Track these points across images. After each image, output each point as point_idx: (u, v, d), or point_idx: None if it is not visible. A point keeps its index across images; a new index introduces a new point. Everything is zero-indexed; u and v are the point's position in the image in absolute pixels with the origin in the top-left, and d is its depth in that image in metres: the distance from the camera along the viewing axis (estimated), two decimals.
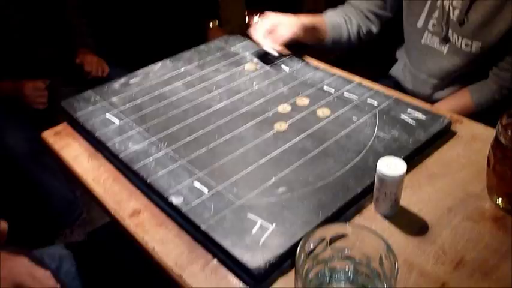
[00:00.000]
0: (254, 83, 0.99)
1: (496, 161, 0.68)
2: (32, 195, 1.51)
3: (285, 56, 1.08)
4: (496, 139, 0.67)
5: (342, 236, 0.54)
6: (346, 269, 0.55)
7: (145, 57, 1.17)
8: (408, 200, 0.72)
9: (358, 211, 0.71)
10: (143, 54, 1.29)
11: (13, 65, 1.48)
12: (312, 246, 0.52)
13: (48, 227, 1.60)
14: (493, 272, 0.61)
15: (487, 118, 0.85)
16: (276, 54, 1.06)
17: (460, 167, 0.78)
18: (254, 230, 0.65)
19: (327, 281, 0.54)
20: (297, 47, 1.11)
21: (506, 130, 0.65)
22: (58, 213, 1.58)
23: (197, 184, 0.73)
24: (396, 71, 1.28)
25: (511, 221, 0.68)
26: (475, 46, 1.04)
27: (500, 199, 0.69)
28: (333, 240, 0.53)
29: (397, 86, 1.25)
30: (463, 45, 1.05)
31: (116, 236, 1.00)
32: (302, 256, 0.50)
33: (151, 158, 0.79)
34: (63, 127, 0.95)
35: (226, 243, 0.64)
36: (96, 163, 0.84)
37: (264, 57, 1.08)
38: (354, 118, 0.86)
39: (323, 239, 0.53)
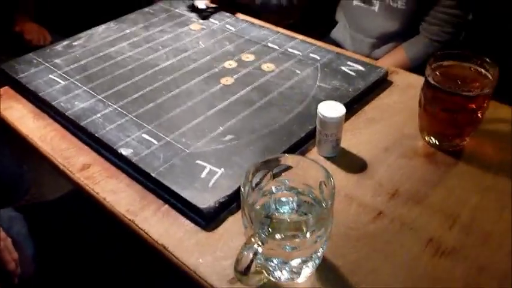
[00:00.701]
0: (200, 42, 1.00)
1: (426, 102, 0.73)
2: None
3: (214, 10, 1.12)
4: (426, 81, 0.72)
5: (285, 169, 0.57)
6: (291, 200, 0.58)
7: (87, 24, 1.15)
8: (348, 143, 0.76)
9: (303, 154, 0.74)
10: (85, 21, 1.26)
11: None
12: (257, 180, 0.55)
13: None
14: (424, 199, 0.66)
15: (423, 72, 0.91)
16: (204, 6, 1.10)
17: (396, 112, 0.83)
18: (203, 175, 0.68)
19: (273, 212, 0.58)
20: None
21: (434, 71, 0.71)
22: (3, 187, 1.53)
23: (146, 136, 0.75)
24: (336, 33, 1.33)
25: (440, 156, 0.74)
26: (401, 1, 1.10)
27: (431, 137, 0.75)
28: (277, 174, 0.57)
29: (338, 48, 1.30)
30: (390, 1, 1.12)
31: (69, 202, 1.00)
32: (247, 188, 0.53)
33: (98, 115, 0.80)
34: (4, 90, 0.93)
35: (177, 187, 0.66)
36: (42, 123, 0.83)
37: (209, 18, 1.09)
38: (297, 71, 0.90)
39: (267, 172, 0.56)
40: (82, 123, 0.77)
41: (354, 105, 0.83)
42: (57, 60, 0.95)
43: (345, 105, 0.76)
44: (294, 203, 0.58)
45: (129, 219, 0.65)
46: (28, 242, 0.79)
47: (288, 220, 0.55)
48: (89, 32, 1.06)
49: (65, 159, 0.75)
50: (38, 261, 0.77)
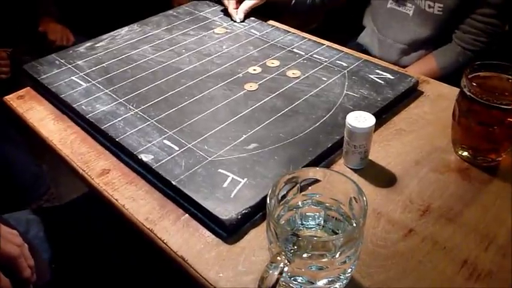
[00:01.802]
0: (224, 46, 0.98)
1: (461, 114, 0.70)
2: None
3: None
4: (461, 92, 0.69)
5: (313, 182, 0.54)
6: (317, 215, 0.55)
7: (111, 25, 1.14)
8: (377, 155, 0.73)
9: (328, 166, 0.71)
10: (108, 23, 1.26)
11: None
12: (283, 192, 0.52)
13: (13, 202, 1.55)
14: (457, 217, 0.63)
15: (454, 82, 0.88)
16: (238, 20, 1.07)
17: (426, 124, 0.80)
18: (225, 184, 0.65)
19: (298, 227, 0.55)
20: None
21: (470, 82, 0.67)
22: (23, 187, 1.53)
23: (167, 142, 0.73)
24: (363, 38, 1.30)
25: (474, 171, 0.70)
26: (437, 7, 1.06)
27: (464, 151, 0.71)
28: (304, 187, 0.54)
29: (365, 53, 1.27)
30: (426, 7, 1.08)
31: (86, 205, 0.98)
32: (273, 202, 0.50)
33: (119, 118, 0.78)
34: (26, 91, 0.92)
35: (198, 197, 0.63)
36: (62, 125, 0.82)
37: (234, 22, 1.07)
38: (324, 78, 0.87)
39: (294, 185, 0.53)
40: (102, 127, 0.76)
41: (382, 115, 0.80)
42: (80, 62, 0.94)
43: (374, 115, 0.73)
44: (321, 218, 0.55)
45: (148, 228, 0.63)
46: (45, 246, 0.77)
47: (316, 239, 0.52)
48: (111, 33, 1.04)
49: (85, 163, 0.74)
50: (55, 267, 0.75)
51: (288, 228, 0.54)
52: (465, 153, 0.72)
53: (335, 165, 0.72)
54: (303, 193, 0.55)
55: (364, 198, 0.50)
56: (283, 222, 0.55)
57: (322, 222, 0.55)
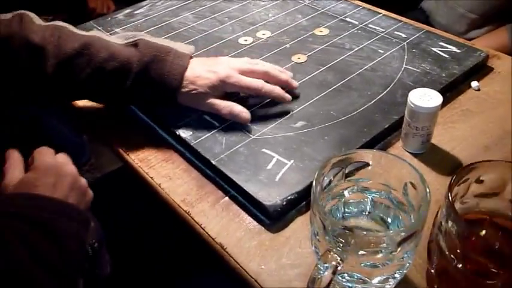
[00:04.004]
0: (270, 14, 0.91)
1: None
2: (35, 138, 1.46)
3: None
4: None
5: (362, 167, 0.47)
6: (362, 201, 0.49)
7: None
8: (440, 138, 0.65)
9: (384, 149, 0.64)
10: None
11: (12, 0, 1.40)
12: (328, 178, 0.46)
13: None
14: None
15: None
16: None
17: (497, 104, 0.70)
18: (270, 166, 0.59)
19: (341, 216, 0.48)
20: None
21: None
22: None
23: (207, 117, 0.67)
24: (429, 3, 1.17)
25: None
26: None
27: None
28: (351, 172, 0.47)
29: (426, 21, 1.15)
30: None
31: (125, 182, 0.94)
32: (318, 188, 0.44)
33: None
34: None
35: (239, 179, 0.58)
36: None
37: None
38: (380, 51, 0.78)
39: (340, 170, 0.47)
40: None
41: (446, 94, 0.71)
42: (118, 30, 0.89)
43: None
44: (367, 205, 0.48)
45: (185, 211, 0.58)
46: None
47: (371, 234, 0.45)
48: (152, 0, 0.99)
49: (120, 138, 0.69)
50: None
51: (340, 223, 0.48)
52: None
53: (392, 148, 0.64)
54: (349, 178, 0.48)
55: (426, 185, 0.42)
56: (326, 210, 0.48)
57: (368, 209, 0.48)
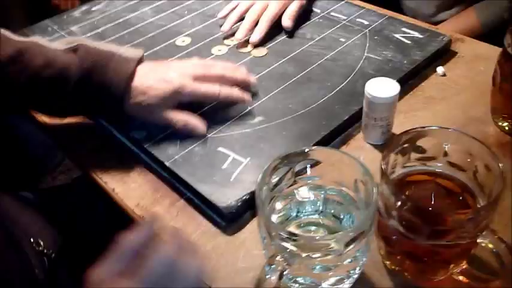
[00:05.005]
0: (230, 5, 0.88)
1: (503, 78, 0.59)
2: (5, 139, 1.42)
3: None
4: (504, 52, 0.58)
5: (312, 165, 0.46)
6: (315, 200, 0.47)
7: None
8: (402, 127, 0.62)
9: (345, 141, 0.62)
10: None
11: None
12: (276, 179, 0.44)
13: (27, 175, 1.52)
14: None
15: (497, 41, 0.76)
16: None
17: (461, 89, 0.69)
18: (225, 165, 0.57)
19: (294, 215, 0.47)
20: None
21: None
22: (36, 159, 1.50)
23: None
24: None
25: None
26: None
27: (506, 122, 0.61)
28: (301, 171, 0.46)
29: (396, 5, 1.13)
30: None
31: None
32: (264, 192, 0.42)
33: None
34: None
35: (193, 180, 0.56)
36: None
37: None
38: (342, 39, 0.76)
39: (289, 169, 0.45)
40: None
41: (409, 81, 0.70)
42: (74, 28, 0.86)
43: (399, 81, 0.63)
44: (320, 203, 0.47)
45: (139, 216, 0.56)
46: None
47: (317, 238, 0.43)
48: None
49: (74, 142, 0.67)
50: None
51: (284, 217, 0.46)
52: (506, 124, 0.61)
53: (353, 140, 0.63)
54: (300, 177, 0.46)
55: (373, 181, 0.41)
56: (278, 213, 0.46)
57: (321, 207, 0.47)
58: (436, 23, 1.03)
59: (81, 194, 0.85)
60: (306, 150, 0.45)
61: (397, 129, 0.62)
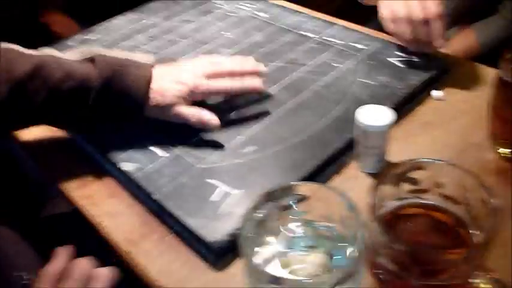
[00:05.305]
0: (224, 32, 0.88)
1: (499, 103, 0.57)
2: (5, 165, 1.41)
3: None
4: (500, 77, 0.56)
5: (299, 200, 0.44)
6: (306, 235, 0.45)
7: (116, 11, 1.05)
8: (398, 154, 0.61)
9: (339, 170, 0.61)
10: (116, 10, 1.17)
11: None
12: (260, 215, 0.42)
13: (30, 199, 1.50)
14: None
15: (494, 60, 0.74)
16: None
17: (458, 114, 0.67)
18: (214, 197, 0.56)
19: (283, 251, 0.45)
20: None
21: (510, 65, 0.54)
22: (37, 183, 1.48)
23: (152, 147, 0.63)
24: None
25: None
26: None
27: (505, 148, 0.59)
28: (287, 207, 0.44)
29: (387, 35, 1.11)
30: None
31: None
32: (246, 231, 0.40)
33: None
34: None
35: (182, 214, 0.54)
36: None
37: (237, 4, 0.96)
38: (335, 64, 0.75)
39: (276, 206, 0.43)
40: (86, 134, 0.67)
41: (404, 106, 0.68)
42: None
43: (394, 106, 0.62)
44: (309, 239, 0.45)
45: (126, 251, 0.54)
46: None
47: (303, 282, 0.41)
48: (106, 23, 0.95)
49: (64, 172, 0.66)
50: None
51: (271, 254, 0.44)
52: (507, 151, 0.59)
53: (347, 168, 0.61)
54: (288, 212, 0.45)
55: (359, 219, 0.39)
56: (266, 249, 0.44)
57: (311, 243, 0.45)
58: None
59: (80, 224, 0.84)
60: (292, 186, 0.43)
61: (393, 156, 0.60)
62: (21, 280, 0.62)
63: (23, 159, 1.44)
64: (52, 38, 1.41)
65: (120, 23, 0.94)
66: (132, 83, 0.61)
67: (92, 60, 0.62)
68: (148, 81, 0.62)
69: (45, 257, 0.71)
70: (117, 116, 0.64)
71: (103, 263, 0.60)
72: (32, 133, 0.73)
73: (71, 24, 1.47)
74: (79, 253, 0.76)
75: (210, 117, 0.63)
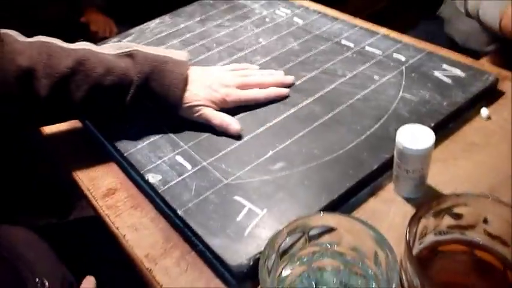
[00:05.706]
0: (260, 38, 0.85)
1: None
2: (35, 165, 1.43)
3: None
4: None
5: (326, 231, 0.41)
6: (336, 271, 0.42)
7: (155, 13, 1.04)
8: (439, 178, 0.57)
9: (374, 192, 0.57)
10: (153, 11, 1.16)
11: (13, 26, 1.39)
12: (286, 246, 0.39)
13: (60, 199, 1.53)
14: None
15: None
16: None
17: (507, 136, 0.62)
18: (240, 217, 0.53)
19: (313, 286, 0.42)
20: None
21: None
22: (68, 184, 1.50)
23: (179, 159, 0.61)
24: (449, 8, 1.05)
25: None
26: None
27: None
28: (314, 237, 0.41)
29: (442, 31, 1.04)
30: None
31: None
32: (267, 267, 0.37)
33: (131, 128, 0.68)
34: None
35: (205, 233, 0.52)
36: (73, 135, 0.74)
37: (275, 9, 0.93)
38: (376, 77, 0.71)
39: (301, 235, 0.40)
40: (111, 140, 0.66)
41: (448, 125, 0.64)
42: None
43: (436, 125, 0.58)
44: (342, 275, 0.42)
45: (147, 268, 0.53)
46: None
47: None
48: (142, 27, 0.95)
49: (91, 180, 0.65)
50: None
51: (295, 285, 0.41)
52: None
53: (383, 191, 0.57)
54: (315, 242, 0.42)
55: (390, 253, 0.35)
56: (291, 279, 0.41)
57: (344, 280, 0.42)
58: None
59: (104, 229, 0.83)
60: (316, 216, 0.40)
61: (433, 180, 0.56)
62: (43, 286, 0.61)
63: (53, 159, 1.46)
64: (91, 38, 1.43)
65: (156, 27, 0.93)
66: (170, 81, 0.63)
67: (130, 55, 0.63)
68: (185, 80, 0.64)
69: (66, 261, 0.71)
70: (152, 113, 0.65)
71: (125, 272, 0.59)
72: (58, 130, 0.73)
73: (111, 25, 1.49)
74: (101, 261, 0.75)
75: (231, 122, 0.64)
